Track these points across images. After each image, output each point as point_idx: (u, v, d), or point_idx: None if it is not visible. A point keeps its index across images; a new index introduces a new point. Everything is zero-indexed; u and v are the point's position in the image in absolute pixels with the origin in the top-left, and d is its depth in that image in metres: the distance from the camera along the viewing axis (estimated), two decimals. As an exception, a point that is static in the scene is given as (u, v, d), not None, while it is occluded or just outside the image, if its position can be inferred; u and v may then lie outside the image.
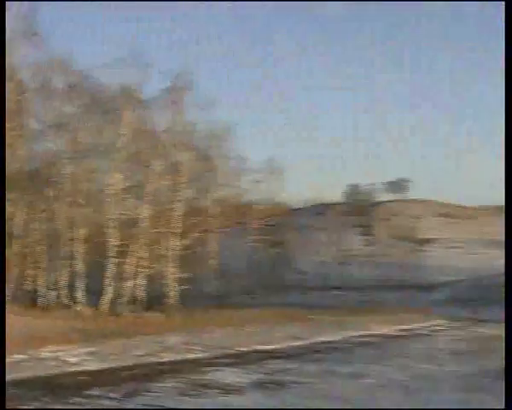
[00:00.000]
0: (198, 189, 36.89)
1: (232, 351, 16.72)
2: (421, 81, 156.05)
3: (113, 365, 13.88)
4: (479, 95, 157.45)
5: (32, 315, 22.47)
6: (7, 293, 23.19)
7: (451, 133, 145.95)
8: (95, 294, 29.51)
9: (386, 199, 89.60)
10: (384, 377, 12.39)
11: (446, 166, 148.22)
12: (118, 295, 29.83)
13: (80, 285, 28.87)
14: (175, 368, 13.54)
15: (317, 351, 17.73)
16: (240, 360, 15.11)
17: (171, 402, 9.79)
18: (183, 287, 31.56)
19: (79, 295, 28.70)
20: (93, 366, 13.56)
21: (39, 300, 28.40)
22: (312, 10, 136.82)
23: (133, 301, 30.24)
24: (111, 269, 29.69)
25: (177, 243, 32.33)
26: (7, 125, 22.24)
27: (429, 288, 55.34)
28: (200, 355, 15.78)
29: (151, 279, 31.89)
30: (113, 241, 29.86)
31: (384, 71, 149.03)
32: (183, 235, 32.87)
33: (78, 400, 9.81)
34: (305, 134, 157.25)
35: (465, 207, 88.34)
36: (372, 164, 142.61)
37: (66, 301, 28.44)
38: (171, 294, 31.43)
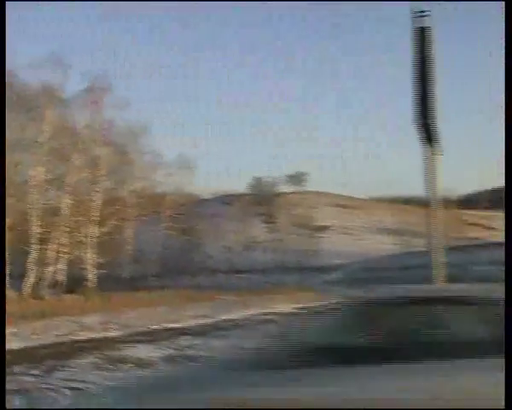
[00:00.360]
0: (116, 181, 36.63)
1: (145, 329, 16.68)
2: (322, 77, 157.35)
3: (33, 344, 13.63)
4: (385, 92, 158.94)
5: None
6: None
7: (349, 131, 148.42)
8: (18, 279, 28.85)
9: (286, 191, 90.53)
10: (282, 350, 12.60)
11: (342, 161, 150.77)
12: (40, 280, 29.29)
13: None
14: (92, 346, 13.40)
15: (223, 328, 17.86)
16: (152, 337, 15.07)
17: (90, 376, 9.71)
18: (101, 271, 31.28)
19: (3, 279, 27.99)
20: (14, 345, 13.27)
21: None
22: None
23: (54, 284, 29.76)
24: (33, 255, 29.11)
25: (96, 231, 32.03)
26: None
27: (324, 270, 56.39)
28: (115, 334, 15.66)
29: (71, 264, 31.47)
30: (36, 229, 29.31)
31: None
32: (101, 223, 32.62)
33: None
34: (217, 130, 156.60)
35: (356, 199, 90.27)
36: (276, 159, 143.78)
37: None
38: (90, 278, 31.09)
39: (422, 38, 15.08)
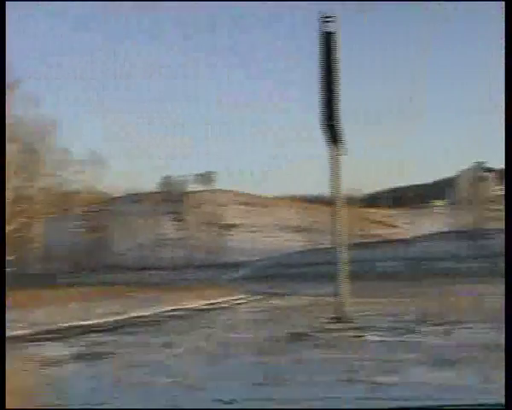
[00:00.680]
0: (24, 178, 35.49)
1: (54, 327, 16.15)
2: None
3: None
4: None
5: None
6: None
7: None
8: None
9: (196, 189, 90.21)
10: (192, 346, 12.44)
11: (251, 160, 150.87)
12: None
13: None
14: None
15: (134, 324, 17.54)
16: (61, 334, 14.61)
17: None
18: (8, 269, 30.20)
19: None
20: None
21: None
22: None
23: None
24: None
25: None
26: None
27: (232, 267, 56.56)
28: (22, 332, 15.07)
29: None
30: None
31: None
32: (8, 221, 31.49)
33: None
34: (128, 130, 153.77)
35: (264, 197, 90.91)
36: (188, 158, 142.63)
37: None
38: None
39: (328, 42, 15.24)
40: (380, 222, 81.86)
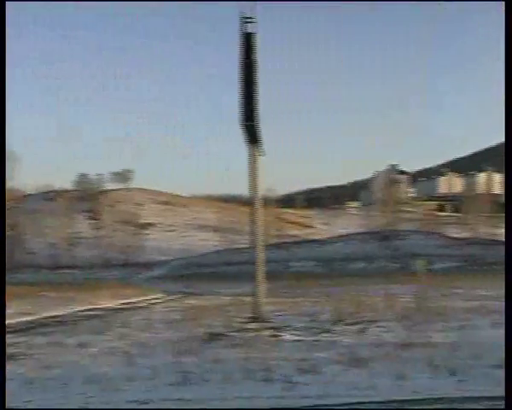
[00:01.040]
0: None
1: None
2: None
3: None
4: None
5: None
6: None
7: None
8: None
9: (112, 188, 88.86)
10: (106, 346, 12.27)
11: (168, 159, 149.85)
12: None
13: None
14: None
15: (46, 325, 17.16)
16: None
17: None
18: None
19: None
20: None
21: None
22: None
23: None
24: None
25: None
26: None
27: (148, 266, 56.04)
28: None
29: None
30: None
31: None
32: None
33: None
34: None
35: (181, 196, 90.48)
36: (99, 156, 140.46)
37: None
38: None
39: (248, 42, 15.30)
40: (296, 222, 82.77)
